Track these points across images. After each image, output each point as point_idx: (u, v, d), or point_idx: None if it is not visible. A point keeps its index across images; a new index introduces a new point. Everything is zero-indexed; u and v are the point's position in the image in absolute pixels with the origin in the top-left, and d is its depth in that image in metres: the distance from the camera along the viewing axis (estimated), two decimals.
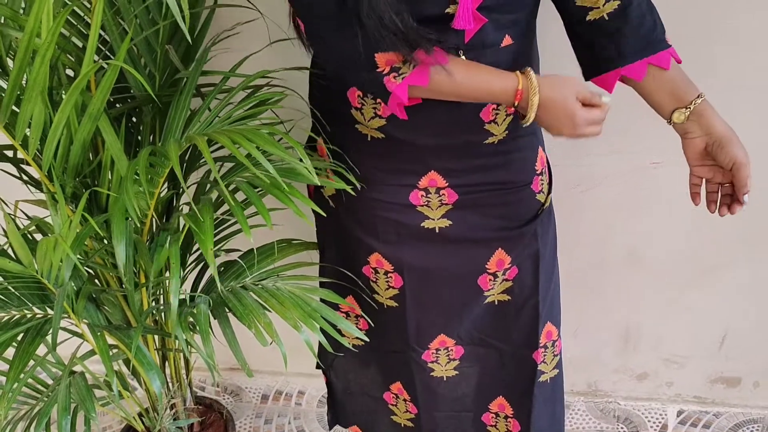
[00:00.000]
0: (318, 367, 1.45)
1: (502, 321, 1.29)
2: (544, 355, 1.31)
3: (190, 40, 1.00)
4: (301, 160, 1.00)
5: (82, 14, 1.19)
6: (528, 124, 0.99)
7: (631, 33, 1.02)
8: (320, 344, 1.37)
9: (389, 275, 1.23)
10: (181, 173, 0.88)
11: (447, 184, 1.14)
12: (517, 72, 0.97)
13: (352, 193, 1.15)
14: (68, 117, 1.01)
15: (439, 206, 1.16)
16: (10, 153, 1.20)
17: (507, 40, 1.02)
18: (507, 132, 1.11)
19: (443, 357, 1.31)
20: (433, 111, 1.05)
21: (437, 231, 1.18)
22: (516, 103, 0.98)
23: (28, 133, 1.03)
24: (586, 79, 1.08)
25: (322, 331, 1.19)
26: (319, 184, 1.08)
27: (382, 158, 1.14)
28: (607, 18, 1.02)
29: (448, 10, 0.96)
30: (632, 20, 1.01)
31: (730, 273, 1.64)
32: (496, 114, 1.07)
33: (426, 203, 1.16)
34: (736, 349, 1.74)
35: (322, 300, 1.25)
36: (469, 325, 1.29)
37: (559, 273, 1.32)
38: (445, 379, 1.34)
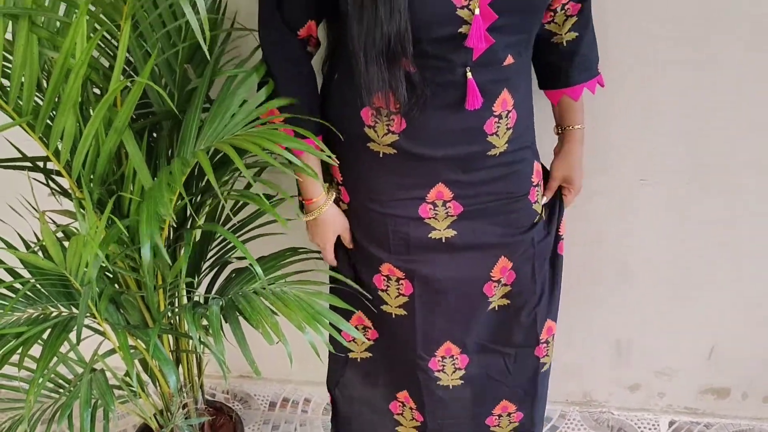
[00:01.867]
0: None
1: (503, 325, 1.37)
2: (547, 349, 1.40)
3: (209, 57, 1.10)
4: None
5: (109, 37, 1.30)
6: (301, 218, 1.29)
7: (579, 62, 1.27)
8: (329, 364, 1.46)
9: (400, 282, 1.31)
10: (214, 178, 0.98)
11: (453, 196, 1.23)
12: (325, 192, 1.29)
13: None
14: (96, 130, 1.11)
15: (446, 218, 1.25)
16: (40, 163, 1.31)
17: (509, 60, 1.14)
18: (507, 145, 1.21)
19: (449, 366, 1.39)
20: (442, 122, 1.16)
21: (443, 241, 1.27)
22: (304, 202, 1.28)
23: (59, 146, 1.13)
24: (540, 88, 1.37)
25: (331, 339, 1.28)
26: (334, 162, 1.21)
27: (393, 174, 1.23)
28: (564, 44, 1.27)
29: (460, 30, 1.07)
30: (581, 51, 1.27)
31: (716, 286, 1.71)
32: (498, 127, 1.18)
33: (434, 215, 1.25)
34: (724, 361, 1.81)
35: (331, 307, 1.34)
36: (474, 334, 1.37)
37: (561, 274, 1.42)
38: (450, 387, 1.41)
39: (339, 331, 1.29)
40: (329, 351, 1.40)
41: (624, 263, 1.73)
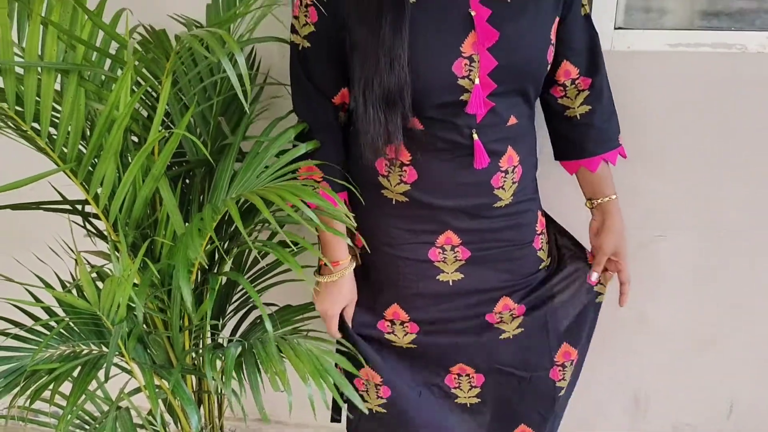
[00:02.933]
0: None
1: (519, 352, 1.39)
2: (563, 373, 1.40)
3: (247, 109, 1.15)
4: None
5: (149, 89, 1.38)
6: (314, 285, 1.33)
7: (594, 135, 1.29)
8: (347, 412, 1.49)
9: (405, 325, 1.35)
10: (242, 227, 1.02)
11: (461, 242, 1.28)
12: (351, 259, 1.32)
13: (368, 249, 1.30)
14: (134, 177, 1.17)
15: (454, 261, 1.30)
16: (78, 206, 1.37)
17: (512, 120, 1.20)
18: (513, 197, 1.26)
19: (465, 383, 1.41)
20: (452, 176, 1.21)
21: (451, 284, 1.31)
22: (329, 265, 1.29)
23: (98, 191, 1.19)
24: (556, 159, 1.39)
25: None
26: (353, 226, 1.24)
27: (404, 219, 1.28)
28: (579, 117, 1.30)
29: (462, 98, 1.13)
30: (596, 124, 1.30)
31: (734, 341, 1.72)
32: (504, 181, 1.23)
33: (443, 259, 1.30)
34: (744, 418, 1.80)
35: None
36: (485, 356, 1.39)
37: (586, 303, 1.42)
38: (468, 406, 1.43)
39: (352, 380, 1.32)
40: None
41: (642, 313, 1.75)
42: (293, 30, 1.22)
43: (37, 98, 1.08)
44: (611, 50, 1.52)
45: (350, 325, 1.37)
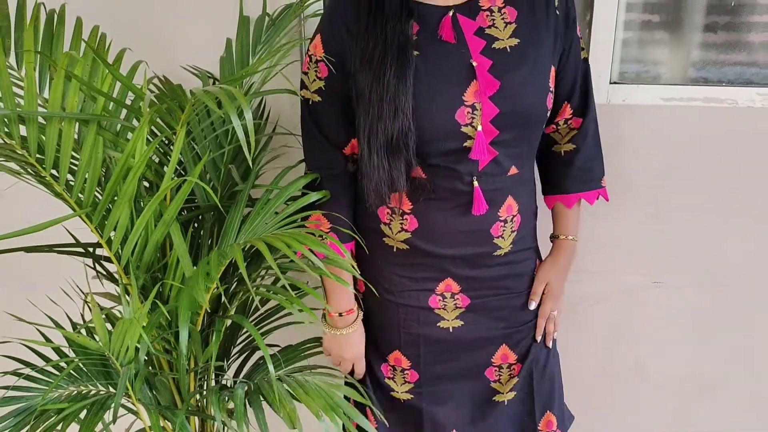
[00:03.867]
0: None
1: (510, 420, 1.41)
2: None
3: (250, 162, 1.20)
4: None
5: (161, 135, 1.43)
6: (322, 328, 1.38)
7: (574, 173, 1.34)
8: None
9: (406, 372, 1.38)
10: (245, 271, 1.06)
11: (460, 289, 1.32)
12: (356, 310, 1.36)
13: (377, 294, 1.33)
14: (147, 222, 1.22)
15: (454, 309, 1.33)
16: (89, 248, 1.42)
17: (513, 170, 1.25)
18: (512, 246, 1.30)
19: None
20: (452, 224, 1.25)
21: (451, 330, 1.34)
22: (337, 314, 1.34)
23: (111, 235, 1.24)
24: (542, 193, 1.44)
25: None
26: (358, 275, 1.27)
27: (405, 267, 1.32)
28: (563, 154, 1.36)
29: (465, 144, 1.18)
30: (577, 164, 1.35)
31: (730, 388, 1.74)
32: (503, 230, 1.27)
33: (443, 306, 1.33)
34: None
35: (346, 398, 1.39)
36: (481, 428, 1.41)
37: (560, 369, 1.45)
38: None
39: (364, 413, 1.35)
40: None
41: (639, 360, 1.77)
42: (303, 86, 1.28)
43: (57, 146, 1.14)
44: (607, 104, 1.58)
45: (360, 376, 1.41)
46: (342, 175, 1.32)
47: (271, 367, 1.22)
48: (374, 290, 1.35)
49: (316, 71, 1.24)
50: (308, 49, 1.25)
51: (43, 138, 1.12)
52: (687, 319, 1.71)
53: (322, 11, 1.54)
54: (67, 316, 1.47)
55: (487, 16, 1.21)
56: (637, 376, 1.78)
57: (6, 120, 1.07)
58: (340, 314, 1.35)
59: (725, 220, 1.61)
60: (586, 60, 1.33)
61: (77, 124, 1.18)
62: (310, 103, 1.27)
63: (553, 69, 1.25)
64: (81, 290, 1.38)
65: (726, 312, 1.69)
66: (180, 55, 1.59)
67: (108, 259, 1.35)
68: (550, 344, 1.41)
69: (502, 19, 1.21)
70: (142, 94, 1.09)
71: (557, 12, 1.24)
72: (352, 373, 1.42)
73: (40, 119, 1.13)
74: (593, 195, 1.39)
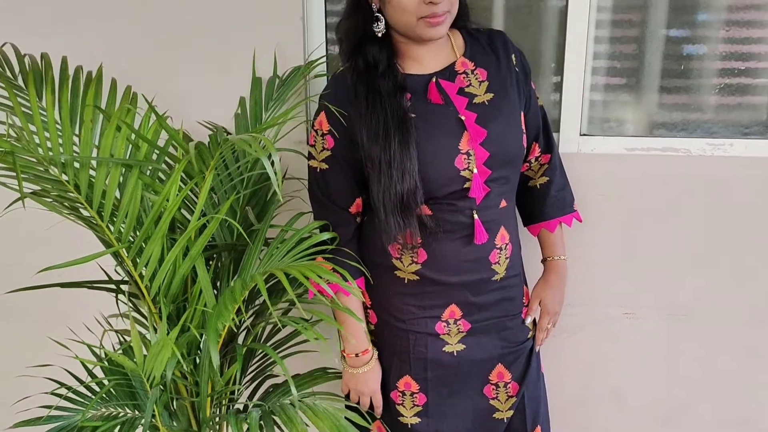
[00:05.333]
0: None
1: None
2: None
3: (281, 197, 1.37)
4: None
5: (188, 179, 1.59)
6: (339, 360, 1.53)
7: (552, 202, 1.57)
8: None
9: (415, 395, 1.53)
10: (267, 296, 1.21)
11: (462, 315, 1.48)
12: (371, 350, 1.52)
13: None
14: (176, 257, 1.37)
15: (457, 333, 1.49)
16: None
17: (503, 203, 1.45)
18: (506, 271, 1.48)
19: None
20: (456, 253, 1.43)
21: (455, 354, 1.50)
22: (353, 354, 1.50)
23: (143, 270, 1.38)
24: (524, 225, 1.65)
25: None
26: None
27: (415, 297, 1.48)
28: (539, 187, 1.59)
29: (465, 186, 1.38)
30: (552, 192, 1.59)
31: (695, 413, 1.90)
32: (499, 257, 1.45)
33: (447, 332, 1.49)
34: None
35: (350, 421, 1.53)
36: None
37: (545, 391, 1.61)
38: None
39: None
40: None
41: (615, 387, 1.93)
42: (310, 156, 1.46)
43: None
44: (578, 153, 1.79)
45: (379, 413, 1.55)
46: (349, 228, 1.48)
47: (293, 388, 1.35)
48: (382, 321, 1.51)
49: (323, 143, 1.43)
50: (313, 125, 1.44)
51: (91, 180, 1.28)
52: (655, 347, 1.88)
53: (325, 73, 1.75)
54: (86, 345, 1.59)
55: (464, 78, 1.43)
56: (613, 402, 1.93)
57: (63, 165, 1.23)
58: (357, 355, 1.50)
59: (684, 257, 1.81)
60: (542, 107, 1.57)
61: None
62: (318, 171, 1.45)
63: (522, 114, 1.48)
64: (102, 321, 1.52)
65: (690, 340, 1.86)
66: (196, 112, 1.77)
67: (133, 294, 1.50)
68: (537, 348, 1.58)
69: (476, 79, 1.43)
70: (186, 146, 1.26)
71: (516, 69, 1.47)
72: (371, 408, 1.55)
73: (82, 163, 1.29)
74: (570, 218, 1.61)
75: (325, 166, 1.44)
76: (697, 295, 1.83)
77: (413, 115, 1.38)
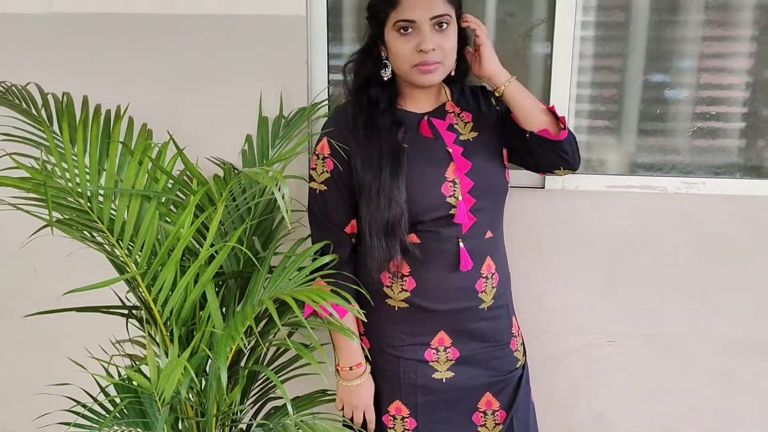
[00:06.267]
0: None
1: None
2: None
3: (289, 225, 1.48)
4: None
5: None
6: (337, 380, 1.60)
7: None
8: None
9: (405, 420, 1.61)
10: (277, 317, 1.31)
11: (451, 342, 1.57)
12: (365, 364, 1.59)
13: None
14: (187, 283, 1.47)
15: (446, 361, 1.58)
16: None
17: (489, 234, 1.56)
18: (492, 300, 1.58)
19: None
20: (443, 281, 1.52)
21: (444, 381, 1.58)
22: (347, 368, 1.57)
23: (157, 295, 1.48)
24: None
25: None
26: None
27: (405, 324, 1.57)
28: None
29: (450, 212, 1.49)
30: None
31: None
32: (485, 285, 1.55)
33: (436, 359, 1.58)
34: None
35: None
36: None
37: (535, 418, 1.69)
38: None
39: None
40: None
41: (599, 413, 2.02)
42: (311, 179, 1.57)
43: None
44: (563, 189, 1.91)
45: (372, 429, 1.62)
46: (345, 249, 1.58)
47: (290, 408, 1.44)
48: (374, 347, 1.60)
49: (323, 166, 1.54)
50: (315, 150, 1.56)
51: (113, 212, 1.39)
52: (638, 374, 1.98)
53: (327, 114, 1.87)
54: (102, 364, 1.67)
55: (453, 117, 1.58)
56: (598, 427, 2.02)
57: (89, 196, 1.33)
58: (350, 368, 1.59)
59: (662, 288, 1.92)
60: None
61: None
62: (318, 192, 1.56)
63: (504, 151, 1.61)
64: (109, 345, 1.61)
65: (669, 367, 1.96)
66: (203, 149, 1.88)
67: (140, 319, 1.59)
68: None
69: (462, 120, 1.58)
70: (204, 179, 1.37)
71: (497, 107, 1.62)
72: (365, 425, 1.63)
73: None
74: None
75: (324, 187, 1.55)
76: (675, 324, 1.94)
77: (405, 146, 1.49)
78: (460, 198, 1.50)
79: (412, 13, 1.42)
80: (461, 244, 1.51)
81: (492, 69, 1.50)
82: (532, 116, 1.51)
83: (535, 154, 1.56)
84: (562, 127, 1.52)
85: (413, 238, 1.51)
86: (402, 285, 1.55)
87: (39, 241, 1.42)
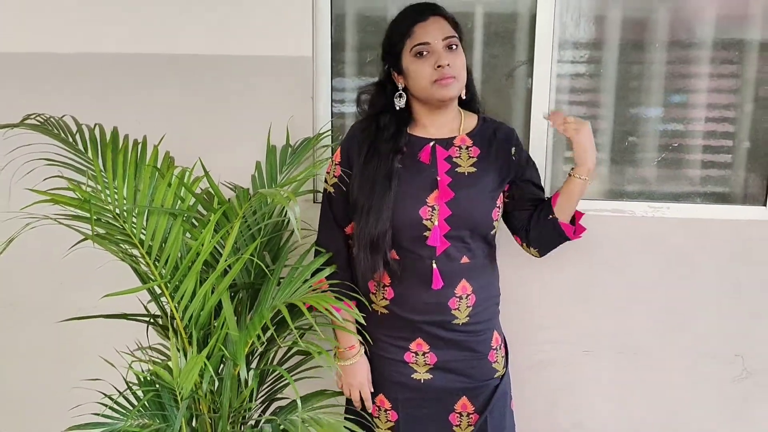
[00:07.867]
0: None
1: None
2: None
3: (299, 238, 1.67)
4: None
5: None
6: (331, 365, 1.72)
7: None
8: None
9: (388, 412, 1.78)
10: (290, 320, 1.50)
11: (429, 348, 1.73)
12: (358, 346, 1.75)
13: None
14: (206, 292, 1.66)
15: (424, 364, 1.74)
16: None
17: (465, 260, 1.71)
18: (468, 318, 1.72)
19: None
20: (418, 295, 1.70)
21: (422, 382, 1.75)
22: (343, 349, 1.74)
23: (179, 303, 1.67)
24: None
25: None
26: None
27: (387, 328, 1.75)
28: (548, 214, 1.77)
29: (425, 234, 1.67)
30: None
31: None
32: (459, 304, 1.71)
33: (415, 361, 1.75)
34: None
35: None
36: None
37: (513, 424, 1.85)
38: None
39: None
40: None
41: (577, 421, 2.19)
42: (325, 181, 1.78)
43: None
44: None
45: (369, 406, 1.78)
46: (344, 251, 1.77)
47: (299, 403, 1.62)
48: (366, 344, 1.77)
49: (334, 171, 1.75)
50: (333, 156, 1.77)
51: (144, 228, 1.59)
52: (614, 381, 2.16)
53: (330, 143, 2.08)
54: (129, 360, 1.85)
55: (457, 150, 1.71)
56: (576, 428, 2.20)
57: (125, 214, 1.53)
58: (346, 349, 1.76)
59: (631, 302, 2.12)
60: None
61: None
62: (328, 192, 1.77)
63: (501, 194, 1.74)
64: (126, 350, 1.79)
65: (641, 375, 2.15)
66: (215, 174, 2.07)
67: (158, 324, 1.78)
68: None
69: (468, 154, 1.71)
70: (226, 201, 1.57)
71: (514, 158, 1.75)
72: (363, 407, 1.79)
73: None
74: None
75: (332, 189, 1.76)
76: (644, 334, 2.13)
77: (399, 166, 1.67)
78: (436, 223, 1.66)
79: (426, 36, 1.62)
80: (434, 265, 1.67)
81: (593, 162, 1.70)
82: (571, 210, 1.75)
83: (541, 228, 1.76)
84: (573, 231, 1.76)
85: (393, 254, 1.68)
86: (383, 293, 1.73)
87: (66, 258, 1.61)
